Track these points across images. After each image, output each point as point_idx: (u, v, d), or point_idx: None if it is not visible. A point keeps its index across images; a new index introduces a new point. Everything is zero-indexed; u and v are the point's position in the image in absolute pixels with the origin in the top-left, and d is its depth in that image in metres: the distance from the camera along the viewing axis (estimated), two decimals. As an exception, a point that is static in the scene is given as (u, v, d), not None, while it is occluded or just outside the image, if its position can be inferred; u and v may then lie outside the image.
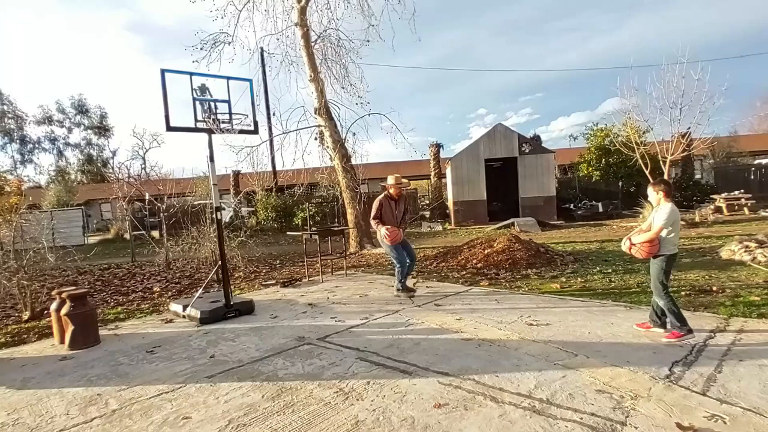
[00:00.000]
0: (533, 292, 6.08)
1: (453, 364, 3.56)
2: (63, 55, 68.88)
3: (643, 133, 15.82)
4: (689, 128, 14.31)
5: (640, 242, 3.95)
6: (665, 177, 13.70)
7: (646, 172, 14.13)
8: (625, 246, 4.12)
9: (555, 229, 14.92)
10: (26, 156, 45.04)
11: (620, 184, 19.52)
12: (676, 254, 3.97)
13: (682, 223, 12.94)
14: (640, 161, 14.28)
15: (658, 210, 3.94)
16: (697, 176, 23.48)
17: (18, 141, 44.37)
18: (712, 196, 17.80)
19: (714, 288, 5.52)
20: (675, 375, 3.14)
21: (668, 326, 3.93)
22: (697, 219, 13.98)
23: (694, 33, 68.75)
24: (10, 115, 43.59)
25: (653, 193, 4.02)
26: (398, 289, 6.29)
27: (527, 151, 17.63)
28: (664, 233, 3.87)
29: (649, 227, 4.00)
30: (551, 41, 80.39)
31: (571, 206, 18.87)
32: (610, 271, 7.11)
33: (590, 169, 20.14)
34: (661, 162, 13.86)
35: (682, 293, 5.42)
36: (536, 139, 25.34)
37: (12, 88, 64.62)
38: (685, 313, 4.51)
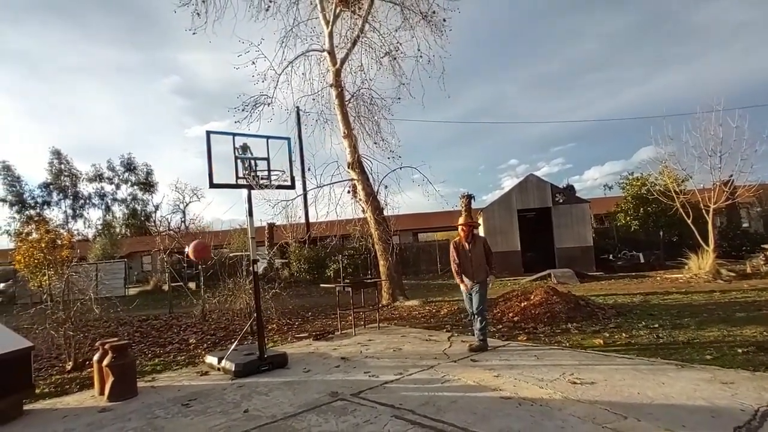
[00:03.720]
0: (575, 347, 5.80)
1: (492, 425, 3.39)
2: (116, 115, 74.59)
3: (682, 181, 15.46)
4: (731, 176, 13.92)
5: None
6: (710, 225, 13.21)
7: (688, 221, 13.66)
8: None
9: (594, 281, 14.38)
10: (77, 211, 47.95)
11: (661, 233, 18.83)
12: None
13: (732, 274, 12.28)
14: (680, 210, 13.86)
15: None
16: (745, 225, 22.41)
17: (71, 197, 47.42)
18: (762, 246, 16.88)
19: (774, 345, 5.13)
20: (738, 442, 2.88)
21: None
22: (748, 270, 13.22)
23: (732, 80, 68.00)
24: (66, 174, 46.94)
25: None
26: (469, 346, 5.95)
27: (561, 201, 17.42)
28: None
29: None
30: (581, 94, 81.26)
31: (610, 257, 18.26)
32: (656, 326, 6.73)
33: (628, 218, 19.62)
34: (703, 211, 13.40)
35: (739, 351, 5.05)
36: (570, 189, 25.09)
37: (69, 148, 69.97)
38: (744, 373, 4.24)
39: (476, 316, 5.91)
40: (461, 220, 6.28)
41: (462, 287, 6.07)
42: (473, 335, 6.13)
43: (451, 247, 6.17)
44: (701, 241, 13.30)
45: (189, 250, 5.97)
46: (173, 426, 3.88)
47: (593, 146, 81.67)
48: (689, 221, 13.67)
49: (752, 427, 3.09)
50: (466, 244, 6.07)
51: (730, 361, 4.73)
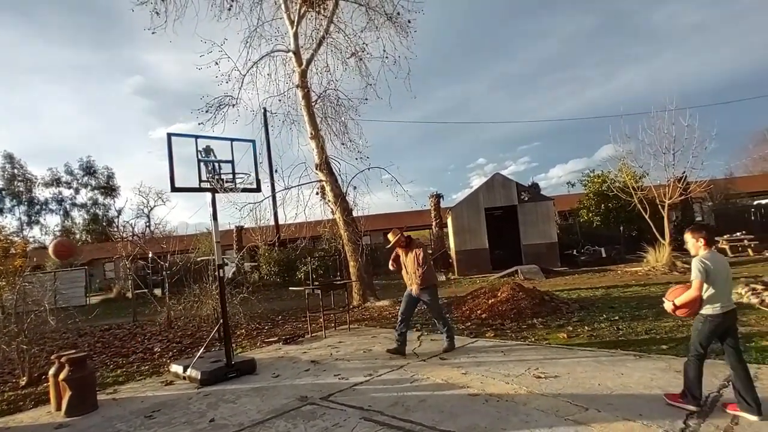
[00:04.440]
0: (540, 342, 5.96)
1: (460, 422, 3.45)
2: (75, 117, 71.53)
3: (640, 178, 16.09)
4: (684, 172, 14.61)
5: (681, 303, 3.37)
6: (665, 220, 13.81)
7: (646, 216, 14.25)
8: (668, 306, 3.51)
9: (559, 276, 14.80)
10: (33, 217, 45.70)
11: (621, 228, 19.56)
12: (721, 315, 3.30)
13: (686, 265, 12.88)
14: (638, 206, 14.43)
15: (693, 261, 3.40)
16: (698, 219, 23.54)
17: (26, 203, 45.16)
18: (714, 238, 17.77)
19: (724, 333, 5.41)
20: (690, 428, 3.04)
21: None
22: (701, 262, 13.88)
23: (685, 81, 71.38)
24: (20, 179, 44.66)
25: (690, 240, 3.47)
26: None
27: (526, 199, 17.83)
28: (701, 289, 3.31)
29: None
30: (545, 93, 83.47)
31: (574, 252, 18.82)
32: (617, 318, 6.99)
33: (590, 214, 20.30)
34: (659, 206, 14.00)
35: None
36: (534, 187, 25.74)
37: (23, 152, 66.67)
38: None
39: (437, 322, 6.09)
40: (391, 237, 6.17)
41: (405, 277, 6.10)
42: (442, 334, 6.19)
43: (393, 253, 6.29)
44: (658, 235, 13.89)
45: (50, 249, 5.76)
46: (135, 439, 3.76)
47: (557, 145, 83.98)
48: (647, 216, 14.26)
49: (703, 412, 3.25)
50: (403, 253, 6.14)
51: (684, 350, 4.93)
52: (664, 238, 13.74)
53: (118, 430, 4.01)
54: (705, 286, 3.29)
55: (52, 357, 5.03)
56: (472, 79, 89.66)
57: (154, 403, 4.72)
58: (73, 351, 5.28)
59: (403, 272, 6.14)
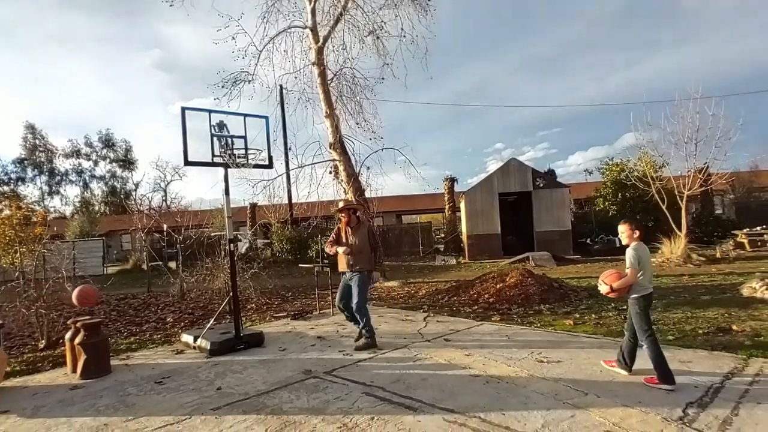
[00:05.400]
0: (545, 328, 5.97)
1: (459, 401, 3.50)
2: (94, 89, 72.30)
3: (659, 167, 15.74)
4: (706, 163, 14.23)
5: (618, 287, 3.72)
6: (683, 212, 13.55)
7: (663, 207, 13.98)
8: (603, 289, 3.85)
9: (571, 264, 14.70)
10: (54, 188, 46.74)
11: (637, 218, 19.22)
12: (651, 294, 3.79)
13: (702, 258, 12.68)
14: (656, 196, 14.15)
15: (628, 251, 3.80)
16: (718, 211, 23.04)
17: (47, 173, 46.14)
18: (733, 232, 17.40)
19: (733, 327, 5.35)
20: (689, 417, 3.03)
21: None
22: (717, 255, 13.64)
23: (712, 69, 68.98)
24: (41, 149, 45.56)
25: (627, 231, 3.85)
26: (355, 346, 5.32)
27: (541, 185, 17.62)
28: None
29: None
30: (569, 77, 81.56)
31: (588, 241, 18.63)
32: (625, 307, 6.92)
33: (606, 203, 19.97)
34: (678, 197, 13.71)
35: (700, 332, 5.26)
36: (550, 173, 25.37)
37: (44, 122, 67.80)
38: (702, 353, 4.42)
39: (355, 314, 5.39)
40: (340, 204, 5.71)
41: (340, 257, 5.49)
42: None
43: (333, 233, 5.73)
44: (674, 227, 13.65)
45: (73, 295, 5.45)
46: (145, 403, 3.90)
47: (578, 131, 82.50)
48: (664, 207, 13.99)
49: (704, 403, 3.24)
50: (349, 230, 5.53)
51: (690, 341, 4.93)
52: (680, 230, 13.50)
53: (129, 394, 4.16)
54: (639, 272, 3.73)
55: (69, 322, 5.22)
56: (493, 61, 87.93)
57: (165, 370, 4.87)
58: (89, 317, 5.46)
59: (341, 251, 5.45)
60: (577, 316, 6.54)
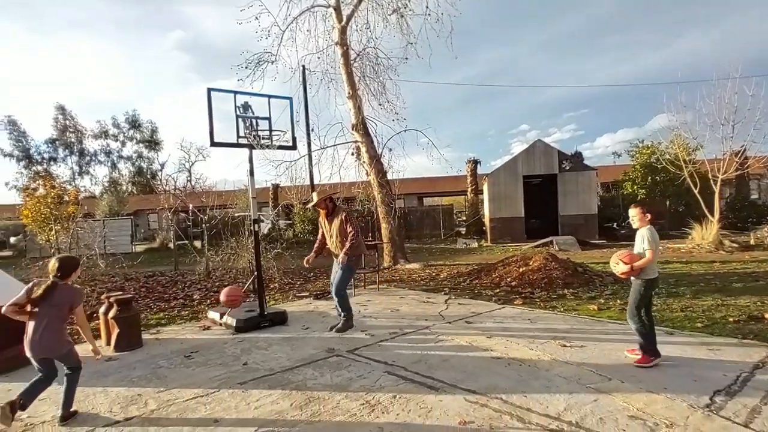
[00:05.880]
0: (569, 312, 5.91)
1: (481, 382, 3.52)
2: (119, 72, 73.56)
3: (693, 150, 15.21)
4: (743, 146, 13.68)
5: (639, 267, 3.80)
6: (716, 196, 13.09)
7: (695, 192, 13.53)
8: (619, 269, 3.93)
9: (596, 249, 14.44)
10: (84, 168, 48.11)
11: (667, 203, 18.69)
12: (657, 279, 3.95)
13: (735, 245, 12.28)
14: (688, 180, 13.70)
15: (642, 231, 3.88)
16: (754, 196, 22.17)
17: (77, 153, 47.49)
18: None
19: (766, 315, 5.19)
20: (716, 404, 2.98)
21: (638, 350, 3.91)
22: (751, 241, 13.20)
23: (753, 47, 65.52)
24: (71, 129, 46.82)
25: (638, 214, 3.91)
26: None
27: (567, 168, 17.24)
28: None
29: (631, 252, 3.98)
30: (599, 56, 78.81)
31: (614, 225, 18.24)
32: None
33: (635, 187, 19.46)
34: (711, 181, 13.24)
35: (730, 320, 5.13)
36: (577, 155, 24.80)
37: (72, 104, 69.53)
38: (732, 341, 4.32)
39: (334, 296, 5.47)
40: (314, 198, 5.52)
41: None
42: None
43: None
44: (707, 212, 13.22)
45: (222, 296, 5.85)
46: (175, 376, 4.05)
47: (607, 113, 79.87)
48: (696, 191, 13.54)
49: (732, 391, 3.17)
50: (327, 221, 5.54)
51: (720, 329, 4.81)
52: (712, 215, 13.06)
53: (160, 366, 4.33)
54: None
55: (102, 297, 5.42)
56: (519, 39, 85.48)
57: (193, 345, 5.04)
58: (121, 293, 5.66)
59: (327, 240, 5.57)
60: (602, 301, 6.45)
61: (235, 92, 5.85)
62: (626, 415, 2.87)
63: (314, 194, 5.51)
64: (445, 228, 23.11)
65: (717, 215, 12.98)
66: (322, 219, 5.64)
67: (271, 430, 2.90)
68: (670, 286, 7.26)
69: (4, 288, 4.51)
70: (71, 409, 3.27)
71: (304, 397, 3.39)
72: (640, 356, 3.83)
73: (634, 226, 3.97)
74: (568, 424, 2.79)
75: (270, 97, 6.09)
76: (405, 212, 23.63)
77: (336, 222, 5.38)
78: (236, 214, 11.29)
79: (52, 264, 3.29)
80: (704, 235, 13.08)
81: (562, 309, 6.11)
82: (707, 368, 3.64)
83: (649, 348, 3.80)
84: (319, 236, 5.71)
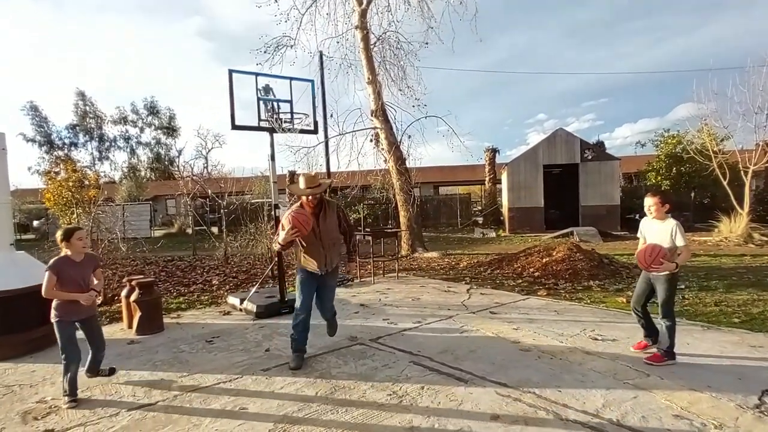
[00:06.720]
0: (596, 305, 5.73)
1: (511, 375, 3.39)
2: (137, 58, 74.07)
3: (722, 140, 14.68)
4: (776, 136, 13.13)
5: (683, 263, 3.54)
6: (746, 188, 12.65)
7: (724, 183, 13.08)
8: (665, 268, 3.47)
9: (618, 240, 14.10)
10: (103, 153, 48.72)
11: (692, 195, 18.16)
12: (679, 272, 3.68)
13: (765, 238, 11.87)
14: (717, 171, 13.24)
15: (670, 224, 3.51)
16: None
17: (97, 139, 48.13)
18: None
19: (808, 312, 4.95)
20: (766, 405, 2.81)
21: (656, 348, 3.69)
22: (783, 236, 12.72)
23: (781, 33, 62.91)
24: (91, 115, 47.40)
25: (657, 204, 3.55)
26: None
27: (590, 157, 16.83)
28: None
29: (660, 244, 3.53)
30: (619, 44, 76.64)
31: (637, 216, 17.77)
32: (683, 287, 6.56)
33: (659, 178, 18.93)
34: (741, 172, 12.76)
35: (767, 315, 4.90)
36: (600, 145, 24.26)
37: (91, 89, 70.08)
38: (776, 338, 4.11)
39: (329, 323, 4.26)
40: (301, 184, 3.78)
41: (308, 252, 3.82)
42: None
43: (285, 217, 3.70)
44: (735, 204, 12.77)
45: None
46: (198, 360, 4.01)
47: (627, 102, 77.67)
48: (725, 183, 13.08)
49: (782, 392, 3.00)
50: (316, 219, 3.81)
51: (759, 325, 4.59)
52: (742, 207, 12.62)
53: (182, 351, 4.30)
54: None
55: (124, 280, 5.42)
56: (538, 25, 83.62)
57: (214, 330, 5.00)
58: (142, 276, 5.65)
59: (313, 246, 3.81)
60: (630, 294, 6.23)
61: (257, 74, 5.75)
62: (670, 413, 2.72)
63: (301, 177, 3.84)
64: (462, 217, 22.88)
65: (747, 207, 12.54)
66: (300, 216, 3.65)
67: (297, 418, 2.83)
68: (701, 280, 7.01)
69: (30, 270, 4.51)
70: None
71: (329, 386, 3.30)
72: (654, 353, 3.63)
73: (650, 216, 3.65)
74: (609, 422, 2.65)
75: (291, 79, 5.98)
76: (422, 200, 23.45)
77: (331, 218, 3.89)
78: (254, 200, 11.26)
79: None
80: (732, 227, 12.66)
81: (588, 301, 5.93)
82: (751, 366, 3.45)
83: (672, 348, 3.55)
84: (284, 237, 3.64)
